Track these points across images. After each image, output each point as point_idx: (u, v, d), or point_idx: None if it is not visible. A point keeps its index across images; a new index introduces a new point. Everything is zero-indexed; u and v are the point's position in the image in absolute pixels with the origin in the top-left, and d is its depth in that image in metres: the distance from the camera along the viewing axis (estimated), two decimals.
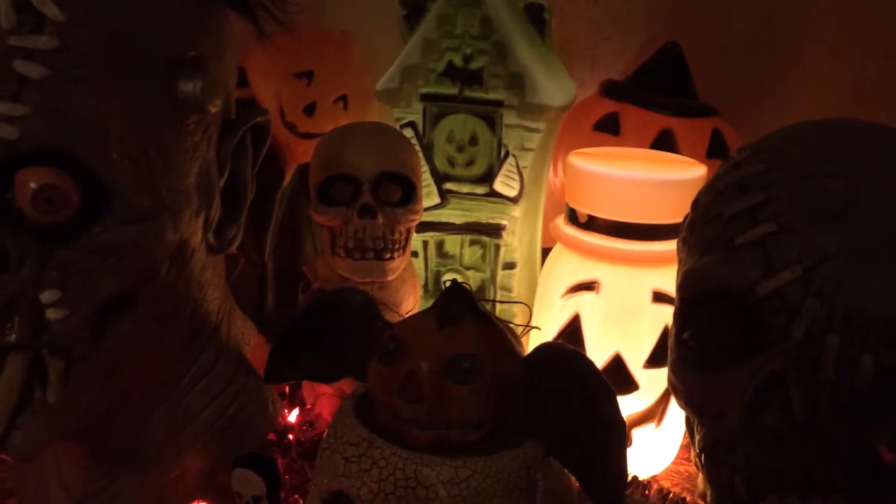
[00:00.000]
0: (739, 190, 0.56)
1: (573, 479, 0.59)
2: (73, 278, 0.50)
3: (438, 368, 0.56)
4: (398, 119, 1.07)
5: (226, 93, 0.58)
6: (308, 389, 1.00)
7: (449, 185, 1.07)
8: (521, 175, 1.04)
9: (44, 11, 0.46)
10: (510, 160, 1.04)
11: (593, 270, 0.88)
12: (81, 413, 0.55)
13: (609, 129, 1.22)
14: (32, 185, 0.47)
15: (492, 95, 1.01)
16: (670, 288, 0.86)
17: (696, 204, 0.63)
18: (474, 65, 1.00)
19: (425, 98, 1.04)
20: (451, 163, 1.07)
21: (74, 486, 0.64)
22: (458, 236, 1.11)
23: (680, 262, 0.65)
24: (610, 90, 1.28)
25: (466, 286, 0.61)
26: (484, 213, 1.08)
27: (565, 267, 0.91)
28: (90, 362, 0.53)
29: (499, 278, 1.11)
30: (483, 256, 1.11)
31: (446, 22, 0.99)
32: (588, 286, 0.88)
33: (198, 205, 0.58)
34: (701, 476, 0.77)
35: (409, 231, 0.92)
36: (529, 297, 1.13)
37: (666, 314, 0.87)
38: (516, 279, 1.11)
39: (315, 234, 1.22)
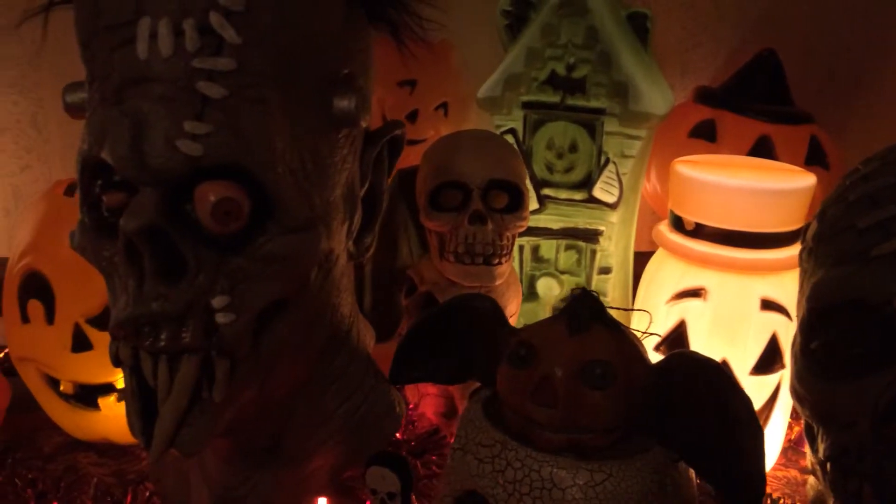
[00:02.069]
0: (871, 202, 0.56)
1: (695, 484, 0.61)
2: (240, 285, 0.53)
3: (572, 374, 0.58)
4: (498, 126, 1.09)
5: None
6: (412, 389, 1.03)
7: (547, 191, 1.09)
8: (620, 182, 1.06)
9: (223, 35, 0.50)
10: (610, 167, 1.05)
11: (700, 277, 0.89)
12: (236, 411, 0.58)
13: (705, 135, 1.22)
14: (212, 198, 0.50)
15: (594, 103, 1.03)
16: (779, 296, 0.87)
17: (822, 215, 0.64)
18: (577, 73, 1.02)
19: (526, 106, 1.06)
20: (550, 169, 1.08)
21: (216, 479, 0.67)
22: (554, 241, 1.12)
23: (804, 272, 0.66)
24: (705, 97, 1.28)
25: (594, 294, 0.62)
26: (581, 219, 1.10)
27: (670, 273, 0.92)
28: (251, 363, 0.56)
29: (594, 283, 1.13)
30: (578, 261, 1.13)
31: (550, 32, 1.01)
32: (695, 293, 0.89)
33: (343, 214, 0.61)
34: (811, 483, 0.78)
35: (514, 237, 0.94)
36: (623, 302, 1.15)
37: (774, 322, 0.87)
38: (611, 284, 1.13)
39: (412, 238, 1.25)
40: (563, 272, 1.14)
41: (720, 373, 0.57)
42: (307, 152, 0.55)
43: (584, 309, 0.61)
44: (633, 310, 0.71)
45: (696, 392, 0.57)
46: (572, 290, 0.62)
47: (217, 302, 0.52)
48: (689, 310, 0.89)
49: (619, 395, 0.58)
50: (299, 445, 0.68)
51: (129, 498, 0.81)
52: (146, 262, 0.50)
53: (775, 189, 0.85)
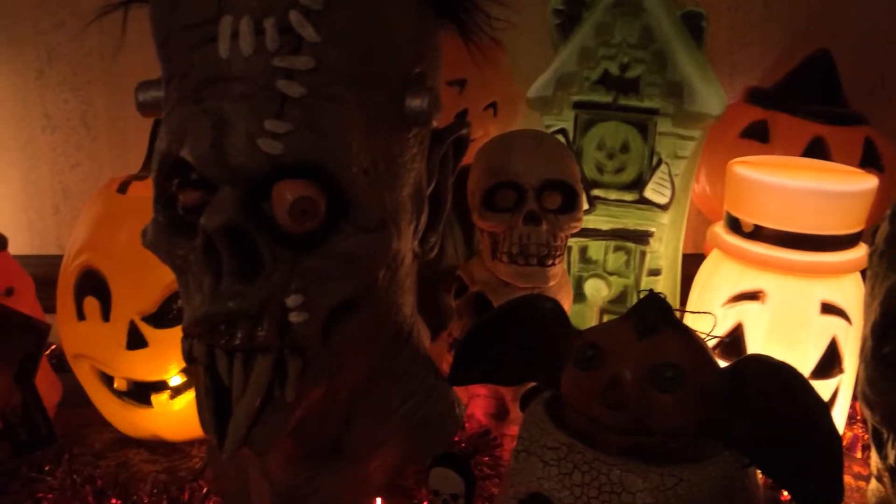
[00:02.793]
0: None
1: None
2: (313, 284, 0.53)
3: (642, 376, 0.57)
4: (548, 126, 1.08)
5: None
6: (461, 390, 1.02)
7: (597, 192, 1.08)
8: (672, 182, 1.05)
9: (302, 34, 0.49)
10: (662, 168, 1.04)
11: (759, 280, 0.88)
12: (303, 410, 0.58)
13: (758, 136, 1.21)
14: (290, 196, 0.50)
15: (647, 104, 1.02)
16: (839, 299, 0.86)
17: (893, 217, 0.63)
18: (631, 73, 1.01)
19: (578, 106, 1.06)
20: (601, 169, 1.08)
21: (278, 477, 0.67)
22: (603, 242, 1.12)
23: (875, 275, 0.65)
24: (756, 97, 1.27)
25: (662, 296, 0.62)
26: (631, 220, 1.09)
27: (727, 276, 0.91)
28: (320, 363, 0.56)
29: (642, 284, 1.12)
30: (627, 262, 1.12)
31: (604, 31, 1.01)
32: (752, 296, 0.88)
33: (411, 214, 0.61)
34: (872, 488, 0.77)
35: (567, 237, 0.94)
36: (672, 304, 1.13)
37: (834, 326, 0.86)
38: (660, 286, 1.12)
39: (457, 238, 1.25)
40: (611, 273, 1.13)
41: (797, 377, 0.56)
42: (379, 151, 0.55)
43: (652, 311, 0.61)
44: (697, 312, 0.71)
45: (771, 396, 0.56)
46: (639, 292, 0.62)
47: (291, 301, 0.52)
48: (747, 313, 0.88)
49: (689, 398, 0.57)
50: (361, 444, 0.67)
51: (185, 495, 0.81)
52: (224, 260, 0.50)
53: (838, 191, 0.84)
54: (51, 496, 0.81)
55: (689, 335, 0.61)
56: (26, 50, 1.24)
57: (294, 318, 0.53)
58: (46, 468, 0.86)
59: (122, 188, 1.00)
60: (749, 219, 0.89)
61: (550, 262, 0.91)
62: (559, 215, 0.90)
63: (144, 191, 1.01)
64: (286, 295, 0.52)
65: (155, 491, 0.82)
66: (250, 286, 0.51)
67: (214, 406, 0.54)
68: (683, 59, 0.98)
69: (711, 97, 0.99)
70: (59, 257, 1.01)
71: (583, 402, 0.60)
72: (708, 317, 0.91)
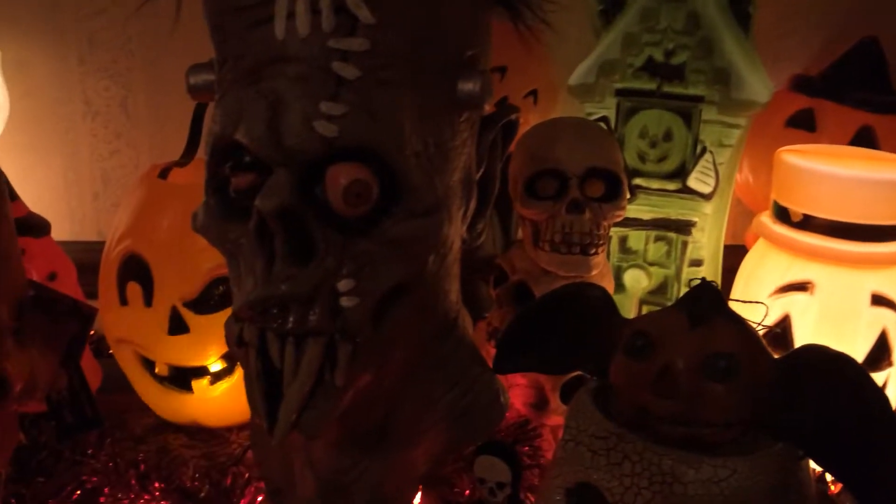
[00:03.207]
0: None
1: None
2: (365, 268, 0.53)
3: (695, 366, 0.56)
4: (589, 114, 1.07)
5: None
6: (500, 379, 1.02)
7: (638, 181, 1.07)
8: (716, 172, 1.03)
9: (357, 15, 0.49)
10: (707, 156, 1.03)
11: (807, 270, 0.86)
12: (351, 396, 0.58)
13: (804, 125, 1.19)
14: (344, 180, 0.50)
15: (692, 91, 1.00)
16: (890, 291, 0.84)
17: None
18: (676, 60, 1.00)
19: (620, 93, 1.04)
20: (643, 158, 1.06)
21: (323, 463, 0.67)
22: (644, 232, 1.10)
23: None
24: (802, 85, 1.25)
25: (715, 285, 0.61)
26: (674, 210, 1.07)
27: (774, 266, 0.90)
28: (370, 348, 0.55)
29: (684, 275, 1.10)
30: (668, 253, 1.11)
31: (650, 16, 0.99)
32: (801, 286, 0.86)
33: (461, 200, 0.60)
34: None
35: (610, 226, 0.93)
36: None
37: (884, 317, 0.85)
38: (702, 276, 1.10)
39: (494, 226, 1.24)
40: (651, 264, 1.12)
41: (856, 368, 0.55)
42: (430, 135, 0.55)
43: (705, 300, 0.60)
44: (750, 302, 0.70)
45: (828, 388, 0.55)
46: (690, 280, 0.61)
47: (342, 285, 0.52)
48: (795, 304, 0.87)
49: (742, 388, 0.56)
50: (406, 431, 0.67)
51: (228, 480, 0.81)
52: (277, 243, 0.50)
53: (890, 180, 0.82)
54: (95, 479, 0.82)
55: (743, 325, 0.60)
56: (68, 37, 1.25)
57: (345, 302, 0.52)
58: (89, 451, 0.87)
59: (163, 174, 1.01)
60: (798, 208, 0.87)
61: (593, 250, 0.90)
62: (602, 204, 0.89)
63: (185, 177, 1.02)
64: (338, 279, 0.52)
65: (197, 475, 0.83)
66: (303, 270, 0.51)
67: (265, 390, 0.54)
68: (730, 46, 0.96)
69: (758, 85, 0.98)
70: (99, 243, 1.01)
71: (633, 391, 0.59)
72: (757, 307, 0.91)
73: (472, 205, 0.63)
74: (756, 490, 0.55)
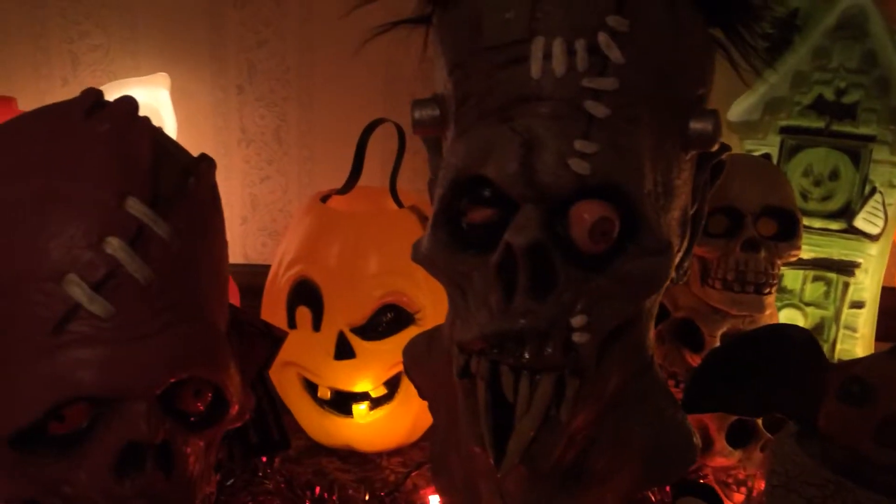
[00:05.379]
0: None
1: None
2: (597, 304, 0.53)
3: None
4: (749, 150, 1.06)
5: None
6: None
7: None
8: (885, 212, 1.01)
9: (609, 55, 0.50)
10: (876, 197, 1.01)
11: None
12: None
13: None
14: (590, 217, 0.50)
15: (863, 130, 0.98)
16: None
17: None
18: (847, 99, 0.98)
19: (785, 131, 1.03)
20: (805, 197, 1.05)
21: (513, 496, 0.67)
22: (801, 271, 1.08)
23: None
24: None
25: None
26: (836, 250, 1.05)
27: None
28: (592, 384, 0.55)
29: (843, 317, 1.08)
30: (827, 293, 1.08)
31: (821, 55, 0.98)
32: None
33: (678, 238, 0.60)
34: None
35: (781, 266, 0.91)
36: (871, 339, 1.09)
37: None
38: (862, 319, 1.08)
39: None
40: (807, 304, 1.10)
41: None
42: (660, 174, 0.55)
43: None
44: None
45: None
46: None
47: (576, 321, 0.52)
48: None
49: None
50: (599, 469, 0.66)
51: None
52: (521, 277, 0.50)
53: None
54: (270, 500, 0.84)
55: None
56: (229, 66, 1.30)
57: (577, 338, 0.52)
58: (259, 473, 0.88)
59: (323, 201, 1.03)
60: None
61: (767, 290, 0.88)
62: (778, 243, 0.88)
63: (344, 204, 1.04)
64: (572, 315, 0.52)
65: (367, 498, 0.84)
66: (542, 304, 0.51)
67: (493, 422, 0.54)
68: None
69: None
70: (245, 266, 1.04)
71: (850, 438, 0.58)
72: None
73: (685, 244, 0.62)
74: None
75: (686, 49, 0.54)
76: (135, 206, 0.51)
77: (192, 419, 0.57)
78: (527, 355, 0.52)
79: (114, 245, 0.50)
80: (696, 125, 0.55)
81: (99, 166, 0.51)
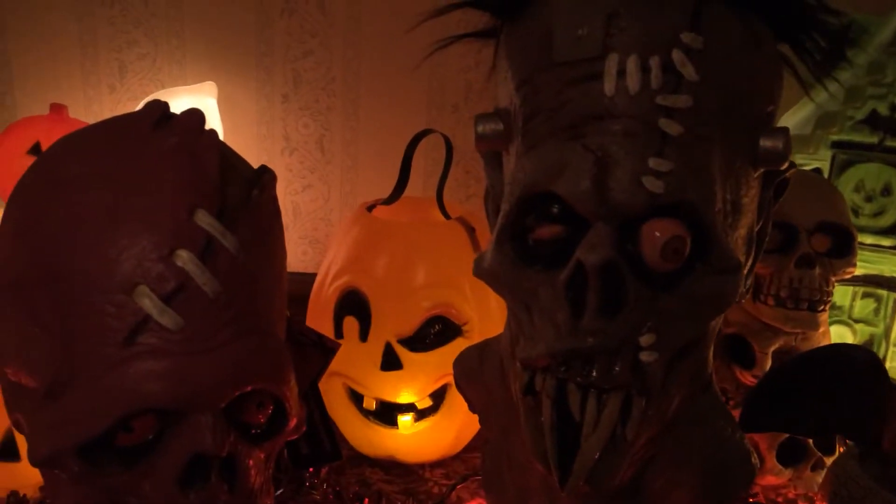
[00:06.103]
0: None
1: None
2: (665, 323, 0.52)
3: None
4: (799, 165, 1.04)
5: None
6: None
7: None
8: None
9: (683, 73, 0.49)
10: None
11: None
12: None
13: None
14: (662, 235, 0.50)
15: None
16: None
17: None
18: None
19: (836, 145, 1.02)
20: (856, 212, 1.03)
21: None
22: (850, 288, 1.07)
23: None
24: None
25: None
26: (888, 266, 1.04)
27: None
28: (657, 403, 0.55)
29: (893, 334, 1.06)
30: (876, 310, 1.07)
31: (876, 70, 0.97)
32: None
33: (743, 256, 0.59)
34: None
35: (835, 283, 0.90)
36: None
37: None
38: None
39: None
40: (856, 321, 1.08)
41: None
42: (730, 192, 0.54)
43: None
44: None
45: None
46: None
47: (644, 340, 0.52)
48: None
49: None
50: (657, 487, 0.66)
51: None
52: (591, 295, 0.50)
53: None
54: None
55: None
56: (275, 75, 1.31)
57: (645, 357, 0.52)
58: (307, 484, 0.88)
59: (368, 210, 1.03)
60: None
61: (821, 307, 0.87)
62: (833, 260, 0.87)
63: (388, 214, 1.04)
64: (640, 333, 0.51)
65: None
66: (611, 323, 0.50)
67: (559, 441, 0.54)
68: None
69: None
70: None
71: None
72: None
73: (750, 262, 0.61)
74: None
75: (757, 65, 0.54)
76: (204, 219, 0.51)
77: (254, 431, 0.57)
78: (595, 374, 0.51)
79: (184, 258, 0.50)
80: (766, 143, 0.54)
81: (169, 179, 0.51)
